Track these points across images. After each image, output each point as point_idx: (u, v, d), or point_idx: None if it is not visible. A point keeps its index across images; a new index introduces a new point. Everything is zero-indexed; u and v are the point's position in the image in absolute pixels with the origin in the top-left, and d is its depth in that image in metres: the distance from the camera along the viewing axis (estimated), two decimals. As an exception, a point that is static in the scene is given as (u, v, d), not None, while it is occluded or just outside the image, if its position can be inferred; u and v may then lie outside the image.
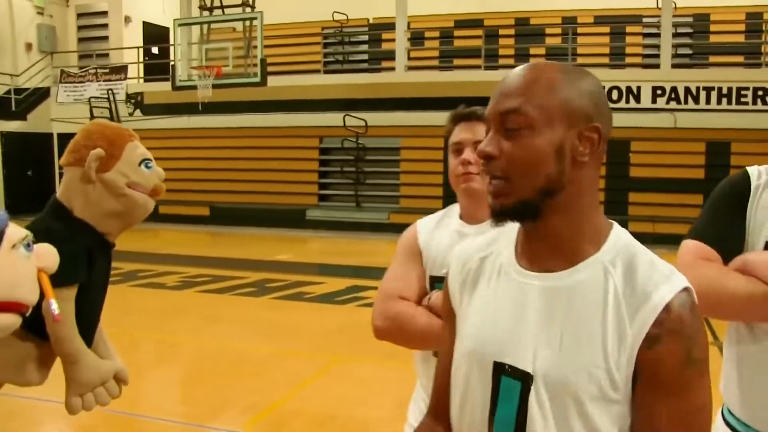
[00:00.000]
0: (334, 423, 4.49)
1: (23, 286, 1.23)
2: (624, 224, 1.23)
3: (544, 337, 1.16)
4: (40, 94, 18.31)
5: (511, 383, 1.19)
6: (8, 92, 17.72)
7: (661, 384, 1.11)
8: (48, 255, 1.33)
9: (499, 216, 1.20)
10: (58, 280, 1.50)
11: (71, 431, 4.55)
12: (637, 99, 13.79)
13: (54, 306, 1.37)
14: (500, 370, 1.20)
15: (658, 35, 14.94)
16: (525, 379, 1.17)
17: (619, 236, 1.20)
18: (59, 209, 2.06)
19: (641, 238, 1.21)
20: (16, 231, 1.24)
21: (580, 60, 15.54)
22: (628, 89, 13.82)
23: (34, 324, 1.72)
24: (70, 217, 2.04)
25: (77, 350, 1.94)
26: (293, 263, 11.10)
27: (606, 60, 15.92)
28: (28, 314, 1.26)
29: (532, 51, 16.30)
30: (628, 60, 15.98)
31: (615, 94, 13.83)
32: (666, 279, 1.13)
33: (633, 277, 1.14)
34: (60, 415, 4.67)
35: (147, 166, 2.11)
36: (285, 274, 9.84)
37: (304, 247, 13.44)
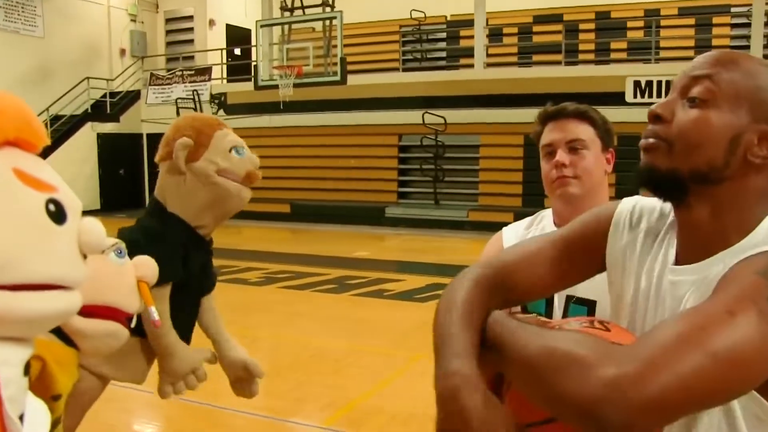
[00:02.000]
0: (414, 421, 4.50)
1: (118, 291, 1.19)
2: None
3: None
4: (132, 97, 19.09)
5: None
6: (104, 96, 18.59)
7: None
8: (147, 266, 1.33)
9: (646, 179, 1.08)
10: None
11: (159, 420, 4.71)
12: (726, 93, 13.26)
13: (154, 314, 1.39)
14: None
15: (748, 25, 14.33)
16: None
17: None
18: (155, 206, 2.09)
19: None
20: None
21: (663, 54, 15.06)
22: (716, 83, 13.30)
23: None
24: (164, 213, 2.05)
25: (171, 344, 1.99)
26: (373, 260, 11.17)
27: (691, 53, 15.27)
28: (133, 324, 1.27)
29: (614, 45, 15.91)
30: (715, 52, 15.39)
31: (702, 89, 13.34)
32: None
33: None
34: (150, 404, 4.84)
35: (238, 152, 2.06)
36: (365, 271, 9.92)
37: (384, 244, 13.50)
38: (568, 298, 1.72)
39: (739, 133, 1.03)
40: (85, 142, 18.09)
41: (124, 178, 18.64)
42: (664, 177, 1.06)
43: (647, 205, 1.21)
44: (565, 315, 1.73)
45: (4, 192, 0.77)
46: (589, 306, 1.67)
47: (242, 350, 2.28)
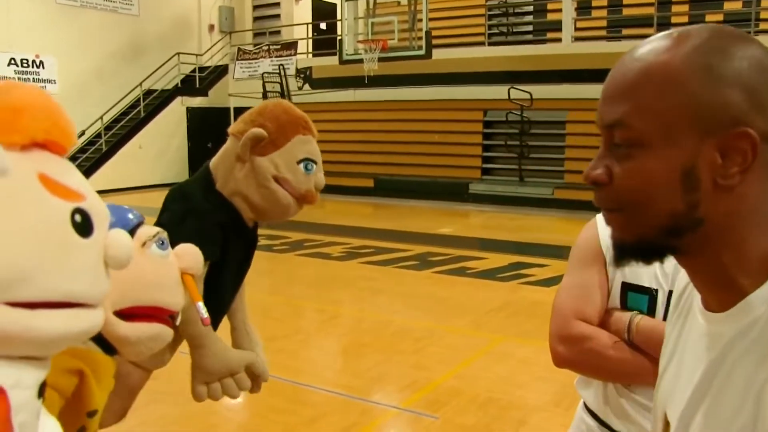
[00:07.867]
0: (493, 406, 4.40)
1: (161, 288, 1.10)
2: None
3: (694, 395, 0.87)
4: (220, 72, 19.62)
5: None
6: (194, 71, 19.26)
7: None
8: (190, 254, 1.20)
9: (620, 255, 0.89)
10: None
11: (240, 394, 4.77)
12: (837, 67, 12.39)
13: (202, 310, 1.29)
14: (667, 424, 0.95)
15: None
16: None
17: None
18: (205, 176, 1.97)
19: None
20: (146, 229, 1.14)
21: (764, 26, 14.21)
22: (827, 56, 12.44)
23: None
24: (211, 188, 1.92)
25: (203, 334, 1.81)
26: (455, 237, 11.05)
27: (799, 23, 14.46)
28: (177, 322, 1.17)
29: (709, 18, 15.09)
30: (827, 23, 14.43)
31: (810, 62, 12.51)
32: None
33: None
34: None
35: (306, 168, 1.90)
36: (447, 248, 9.82)
37: (466, 221, 13.35)
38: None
39: (691, 164, 0.79)
40: (174, 115, 18.70)
41: (212, 150, 19.05)
42: (636, 248, 0.86)
43: None
44: (665, 310, 1.57)
45: (27, 201, 0.70)
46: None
47: (260, 351, 2.12)
